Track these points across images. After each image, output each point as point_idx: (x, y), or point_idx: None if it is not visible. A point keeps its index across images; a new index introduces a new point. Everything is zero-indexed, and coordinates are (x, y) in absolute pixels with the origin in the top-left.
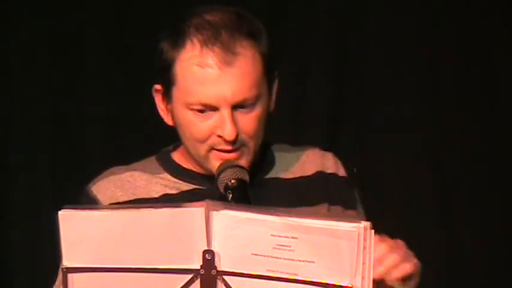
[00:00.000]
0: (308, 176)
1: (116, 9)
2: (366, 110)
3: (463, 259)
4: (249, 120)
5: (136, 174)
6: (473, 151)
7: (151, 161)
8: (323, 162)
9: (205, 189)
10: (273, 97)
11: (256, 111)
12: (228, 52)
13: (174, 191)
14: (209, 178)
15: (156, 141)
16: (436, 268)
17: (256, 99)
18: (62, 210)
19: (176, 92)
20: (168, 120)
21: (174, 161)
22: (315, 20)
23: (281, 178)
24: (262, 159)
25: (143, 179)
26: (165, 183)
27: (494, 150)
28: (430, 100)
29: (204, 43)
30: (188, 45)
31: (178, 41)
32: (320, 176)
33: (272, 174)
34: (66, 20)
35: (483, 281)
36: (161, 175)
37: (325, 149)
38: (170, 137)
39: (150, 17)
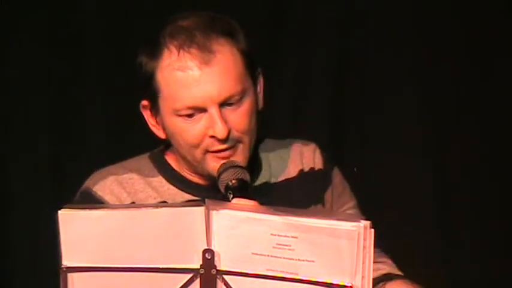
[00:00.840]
0: (292, 178)
1: (117, 10)
2: (366, 110)
3: (462, 259)
4: (238, 116)
5: (135, 176)
6: (473, 151)
7: (145, 160)
8: (302, 158)
9: (200, 199)
10: (260, 95)
11: (244, 107)
12: (205, 51)
13: (169, 200)
14: (203, 188)
15: (157, 141)
16: (436, 267)
17: (241, 94)
18: (62, 210)
19: (162, 102)
20: (160, 134)
21: (168, 164)
22: (315, 20)
23: (270, 183)
24: (251, 166)
25: (141, 183)
26: (162, 190)
27: (494, 150)
28: (431, 100)
29: (181, 47)
30: (165, 53)
31: (155, 51)
32: (302, 176)
33: (261, 180)
34: (67, 20)
35: (483, 281)
36: (156, 178)
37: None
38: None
39: (152, 17)
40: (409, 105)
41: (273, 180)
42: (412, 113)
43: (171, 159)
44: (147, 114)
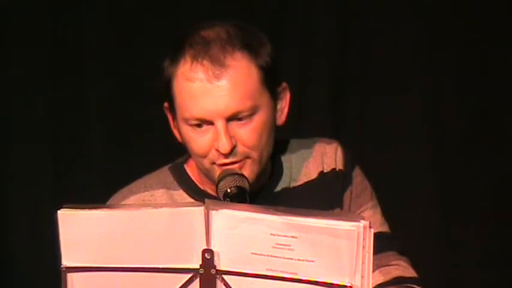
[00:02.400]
0: (312, 180)
1: (118, 10)
2: (366, 110)
3: (462, 258)
4: (247, 132)
5: (156, 193)
6: (474, 150)
7: (165, 173)
8: (324, 159)
9: None
10: (284, 110)
11: (255, 123)
12: (217, 65)
13: None
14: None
15: (157, 141)
16: (435, 267)
17: (252, 111)
18: (61, 209)
19: (176, 109)
20: (178, 137)
21: (188, 176)
22: (315, 20)
23: (289, 188)
24: (271, 170)
25: (164, 198)
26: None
27: (494, 149)
28: (431, 99)
29: (194, 58)
30: (181, 61)
31: (175, 57)
32: (322, 177)
33: (280, 186)
34: (67, 20)
35: (483, 281)
36: (177, 191)
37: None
38: (170, 139)
39: (153, 18)
40: (409, 104)
41: (292, 184)
42: (412, 112)
43: (190, 170)
44: (168, 116)
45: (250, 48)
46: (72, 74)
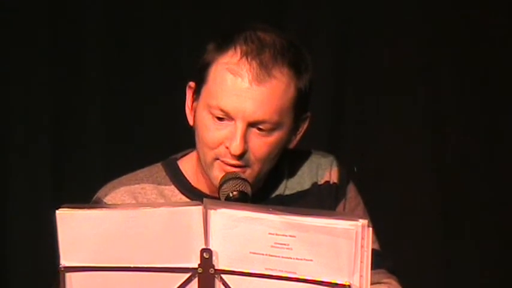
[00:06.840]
0: (305, 191)
1: (118, 9)
2: (366, 109)
3: (462, 258)
4: (261, 144)
5: (147, 186)
6: (473, 152)
7: (157, 169)
8: (318, 171)
9: None
10: (298, 136)
11: (272, 138)
12: (264, 71)
13: None
14: (215, 198)
15: (157, 141)
16: (435, 267)
17: (275, 126)
18: (60, 209)
19: (203, 93)
20: (190, 120)
21: (181, 172)
22: (315, 19)
23: (282, 195)
24: (268, 177)
25: (154, 192)
26: (175, 200)
27: (495, 149)
28: (431, 99)
29: (245, 54)
30: (230, 51)
31: (223, 45)
32: (315, 189)
33: (275, 193)
34: (68, 20)
35: (483, 281)
36: (168, 187)
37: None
38: (170, 139)
39: (153, 17)
40: (409, 104)
41: (286, 193)
42: (412, 112)
43: (183, 167)
44: (189, 95)
45: (297, 68)
46: (73, 74)
